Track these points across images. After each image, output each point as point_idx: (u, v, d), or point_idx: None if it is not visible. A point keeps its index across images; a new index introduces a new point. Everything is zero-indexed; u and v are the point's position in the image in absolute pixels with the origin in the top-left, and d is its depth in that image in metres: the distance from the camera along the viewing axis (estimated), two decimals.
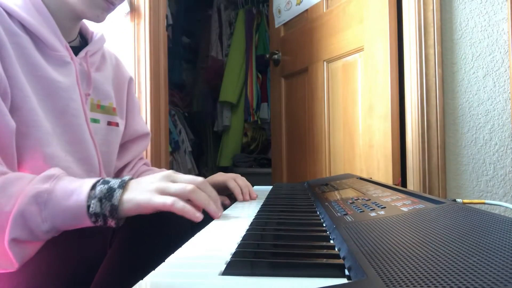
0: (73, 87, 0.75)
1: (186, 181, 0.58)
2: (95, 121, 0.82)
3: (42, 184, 0.54)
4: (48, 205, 0.53)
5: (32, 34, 0.69)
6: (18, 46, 0.66)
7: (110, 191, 0.54)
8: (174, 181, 0.58)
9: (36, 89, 0.68)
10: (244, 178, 0.92)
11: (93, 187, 0.55)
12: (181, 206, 0.54)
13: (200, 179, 0.60)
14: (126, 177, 0.58)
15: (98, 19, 0.77)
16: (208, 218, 0.60)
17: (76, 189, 0.54)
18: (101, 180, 0.56)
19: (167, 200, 0.54)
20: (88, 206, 0.53)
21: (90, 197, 0.54)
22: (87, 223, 0.54)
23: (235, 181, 0.90)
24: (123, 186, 0.56)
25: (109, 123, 0.87)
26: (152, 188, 0.55)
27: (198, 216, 0.55)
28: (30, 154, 0.66)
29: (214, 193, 0.61)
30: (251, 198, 0.88)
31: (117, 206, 0.53)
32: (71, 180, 0.56)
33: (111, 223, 0.54)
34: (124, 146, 0.96)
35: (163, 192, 0.55)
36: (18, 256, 0.54)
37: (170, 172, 0.60)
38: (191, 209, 0.54)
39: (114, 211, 0.53)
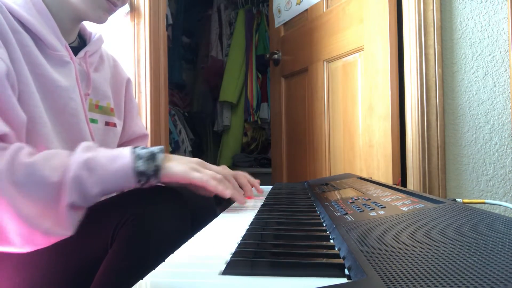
0: (73, 87, 0.75)
1: (217, 170, 0.67)
2: (93, 121, 0.82)
3: (85, 153, 0.59)
4: (96, 170, 0.57)
5: (32, 33, 0.69)
6: (20, 44, 0.67)
7: (153, 154, 0.61)
8: (205, 168, 0.66)
9: (37, 86, 0.68)
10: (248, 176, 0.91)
11: (132, 152, 0.60)
12: (215, 183, 0.63)
13: (226, 171, 0.69)
14: (161, 146, 0.63)
15: (100, 20, 0.77)
16: (208, 218, 0.60)
17: (118, 155, 0.59)
18: (138, 147, 0.62)
19: (204, 177, 0.62)
20: (134, 167, 0.58)
21: (134, 159, 0.59)
22: (132, 183, 0.59)
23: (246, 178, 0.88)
24: (163, 152, 0.62)
25: (107, 124, 0.87)
26: (189, 165, 0.63)
27: (227, 193, 0.64)
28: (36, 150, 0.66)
29: (234, 184, 0.70)
30: (258, 192, 0.88)
31: (160, 166, 0.60)
32: (107, 149, 0.62)
33: (153, 182, 0.60)
34: (122, 147, 0.96)
35: (198, 171, 0.63)
36: (73, 221, 0.57)
37: (201, 160, 0.68)
38: (222, 187, 0.64)
39: (158, 171, 0.60)
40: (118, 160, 0.58)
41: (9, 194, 0.52)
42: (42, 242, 0.56)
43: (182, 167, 0.62)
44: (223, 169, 0.71)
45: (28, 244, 0.55)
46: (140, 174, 0.59)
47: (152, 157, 0.60)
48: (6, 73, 0.60)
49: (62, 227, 0.56)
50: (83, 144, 0.61)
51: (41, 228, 0.54)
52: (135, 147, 0.61)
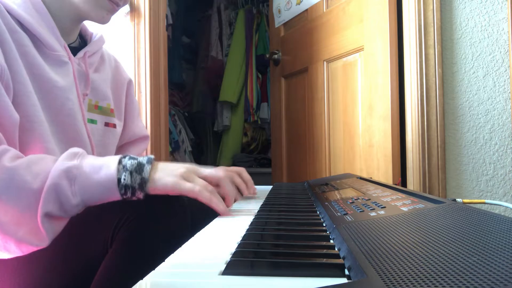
0: (70, 87, 0.75)
1: (208, 177, 0.63)
2: (92, 121, 0.82)
3: (69, 160, 0.56)
4: (78, 180, 0.55)
5: (30, 33, 0.69)
6: (18, 43, 0.66)
7: (140, 166, 0.57)
8: (197, 174, 0.62)
9: (34, 86, 0.68)
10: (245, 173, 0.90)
11: (119, 162, 0.57)
12: (207, 195, 0.59)
13: (221, 174, 0.65)
14: (151, 156, 0.60)
15: (103, 20, 0.77)
16: (208, 218, 0.60)
17: (104, 164, 0.56)
18: (127, 157, 0.59)
19: (195, 188, 0.58)
20: (119, 179, 0.55)
21: (119, 170, 0.56)
22: (116, 196, 0.56)
23: (241, 176, 0.87)
24: (151, 162, 0.59)
25: (107, 124, 0.86)
26: (179, 174, 0.59)
27: (221, 209, 0.60)
28: (32, 150, 0.66)
29: (231, 189, 0.66)
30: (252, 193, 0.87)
31: (147, 179, 0.57)
32: (95, 157, 0.59)
33: (139, 195, 0.57)
34: (122, 148, 0.96)
35: (189, 181, 0.59)
36: (49, 231, 0.55)
37: (193, 165, 0.64)
38: (215, 199, 0.60)
39: (144, 184, 0.56)
40: (102, 170, 0.56)
41: None
42: (15, 250, 0.55)
43: (172, 179, 0.58)
44: (217, 171, 0.66)
45: (1, 251, 0.54)
46: (124, 187, 0.56)
47: (139, 168, 0.57)
48: None
49: (37, 237, 0.54)
50: (70, 151, 0.59)
51: (15, 236, 0.53)
52: (123, 157, 0.59)
